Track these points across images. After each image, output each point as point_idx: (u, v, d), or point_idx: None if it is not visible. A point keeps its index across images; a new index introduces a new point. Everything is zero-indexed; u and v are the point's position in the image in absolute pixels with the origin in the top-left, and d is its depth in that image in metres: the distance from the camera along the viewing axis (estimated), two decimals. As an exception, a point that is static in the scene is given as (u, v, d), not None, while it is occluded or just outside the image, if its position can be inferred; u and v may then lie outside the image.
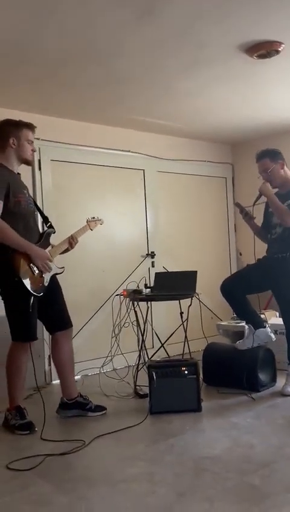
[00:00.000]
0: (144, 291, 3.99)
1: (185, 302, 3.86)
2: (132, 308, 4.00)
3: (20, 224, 3.15)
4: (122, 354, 4.13)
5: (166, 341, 4.37)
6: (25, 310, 3.11)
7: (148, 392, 3.52)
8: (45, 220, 3.46)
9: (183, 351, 3.88)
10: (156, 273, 4.32)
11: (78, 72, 3.59)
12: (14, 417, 3.21)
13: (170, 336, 4.35)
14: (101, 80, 3.75)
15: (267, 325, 3.98)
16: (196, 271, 3.93)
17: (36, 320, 3.24)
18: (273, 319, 4.55)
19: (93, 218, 3.67)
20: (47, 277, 3.25)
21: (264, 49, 3.28)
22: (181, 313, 3.82)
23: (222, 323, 4.84)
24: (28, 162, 3.35)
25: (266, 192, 3.73)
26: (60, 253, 3.41)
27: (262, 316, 4.28)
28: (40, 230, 3.47)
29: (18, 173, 3.31)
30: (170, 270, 4.38)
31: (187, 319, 3.83)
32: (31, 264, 3.13)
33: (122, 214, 5.08)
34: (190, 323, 3.88)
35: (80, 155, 4.75)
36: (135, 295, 3.93)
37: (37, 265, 3.14)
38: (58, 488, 2.41)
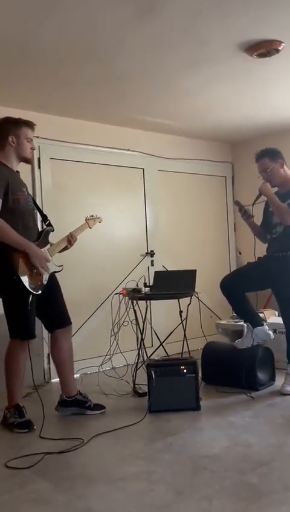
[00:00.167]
0: (143, 290, 4.00)
1: (185, 301, 3.87)
2: (131, 306, 4.00)
3: (19, 223, 3.15)
4: (121, 352, 4.14)
5: (165, 340, 4.37)
6: (23, 308, 3.11)
7: (147, 390, 3.52)
8: (44, 218, 3.46)
9: (183, 349, 3.88)
10: (155, 272, 4.32)
11: (78, 71, 3.59)
12: (13, 415, 3.21)
13: (169, 335, 4.36)
14: (101, 78, 3.75)
15: (265, 323, 3.98)
16: (195, 270, 3.92)
17: (34, 319, 3.24)
18: (273, 318, 4.55)
19: (92, 216, 3.66)
20: (46, 275, 3.25)
21: (264, 48, 3.28)
22: (180, 312, 3.83)
23: (221, 322, 4.85)
24: (28, 160, 3.36)
25: (266, 192, 3.72)
26: (58, 252, 3.41)
27: (261, 315, 4.28)
28: (39, 228, 3.47)
29: (17, 171, 3.31)
30: (169, 269, 4.38)
31: (186, 317, 3.84)
32: (30, 263, 3.13)
33: (122, 213, 5.08)
34: (189, 322, 3.88)
35: (80, 153, 4.75)
36: (134, 294, 3.93)
37: (35, 265, 3.14)
38: (56, 486, 2.41)
